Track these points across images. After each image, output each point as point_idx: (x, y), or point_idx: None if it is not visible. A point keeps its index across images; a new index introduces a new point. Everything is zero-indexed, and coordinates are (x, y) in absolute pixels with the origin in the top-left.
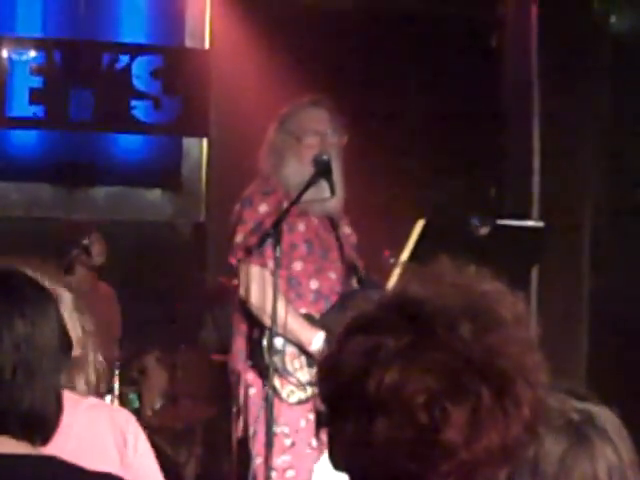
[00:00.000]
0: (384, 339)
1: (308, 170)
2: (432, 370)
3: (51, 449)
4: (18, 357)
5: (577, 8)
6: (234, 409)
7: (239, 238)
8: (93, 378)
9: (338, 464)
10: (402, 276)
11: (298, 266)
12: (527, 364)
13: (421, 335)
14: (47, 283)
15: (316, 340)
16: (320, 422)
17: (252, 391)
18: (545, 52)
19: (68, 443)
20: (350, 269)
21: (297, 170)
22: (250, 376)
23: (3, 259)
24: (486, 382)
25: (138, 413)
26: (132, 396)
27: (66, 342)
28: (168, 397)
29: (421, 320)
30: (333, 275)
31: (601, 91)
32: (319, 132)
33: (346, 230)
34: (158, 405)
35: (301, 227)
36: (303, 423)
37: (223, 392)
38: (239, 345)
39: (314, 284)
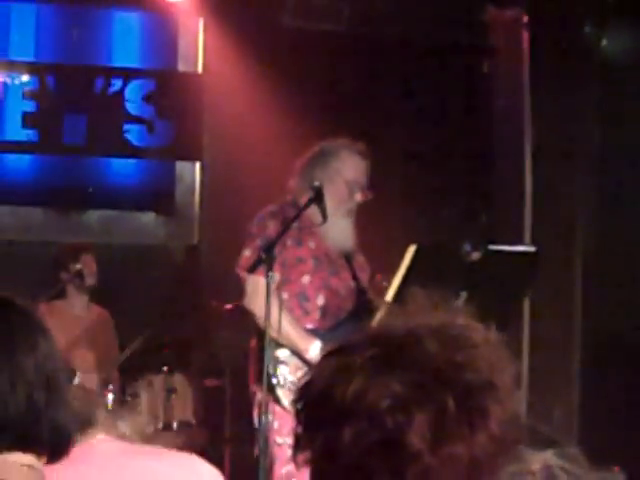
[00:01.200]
0: (352, 357)
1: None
2: (397, 378)
3: None
4: (44, 376)
5: (568, 33)
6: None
7: (247, 252)
8: None
9: None
10: (385, 315)
11: (306, 279)
12: (496, 382)
13: (386, 348)
14: None
15: (313, 348)
16: (296, 446)
17: (255, 404)
18: (537, 78)
19: None
20: (361, 292)
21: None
22: (260, 395)
23: None
24: (451, 391)
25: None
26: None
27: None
28: (161, 421)
29: (389, 339)
30: (343, 292)
31: (592, 116)
32: (359, 183)
33: (359, 259)
34: (151, 430)
35: (311, 244)
36: None
37: (216, 417)
38: (250, 364)
39: (321, 300)
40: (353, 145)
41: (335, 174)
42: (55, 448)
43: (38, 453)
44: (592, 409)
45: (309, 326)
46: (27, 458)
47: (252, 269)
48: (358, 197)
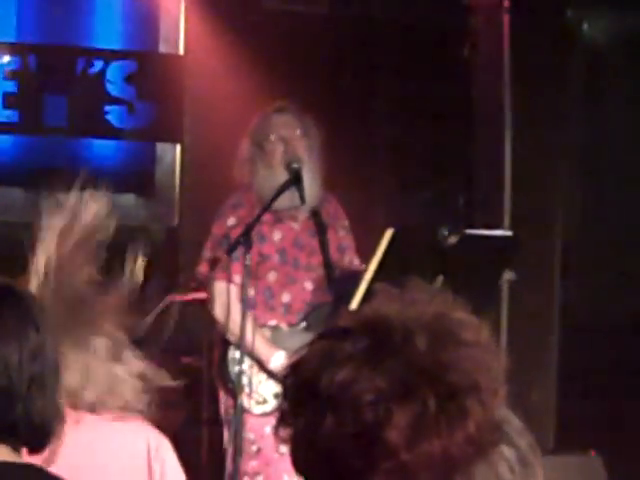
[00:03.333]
0: (341, 343)
1: (280, 176)
2: (383, 373)
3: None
4: (32, 369)
5: (550, 16)
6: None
7: (206, 251)
8: None
9: (295, 464)
10: (373, 294)
11: (271, 277)
12: (480, 383)
13: (377, 341)
14: None
15: (275, 358)
16: (280, 421)
17: (222, 401)
18: (517, 61)
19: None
20: (332, 280)
21: (267, 178)
22: (219, 385)
23: None
24: (434, 391)
25: None
26: None
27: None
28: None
29: (380, 329)
30: (309, 285)
31: (574, 100)
32: (282, 137)
33: (340, 233)
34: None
35: (276, 236)
36: (268, 429)
37: (193, 397)
38: (216, 355)
39: (286, 297)
40: (270, 106)
41: (264, 141)
42: (32, 443)
43: (14, 447)
44: (570, 392)
45: (273, 322)
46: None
47: (229, 252)
48: (278, 150)
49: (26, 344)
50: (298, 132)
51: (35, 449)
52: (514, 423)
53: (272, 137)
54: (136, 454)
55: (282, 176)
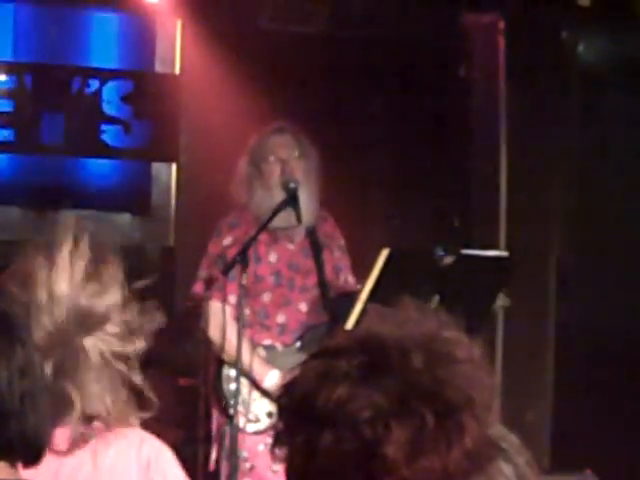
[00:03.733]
0: (336, 362)
1: (277, 195)
2: (380, 390)
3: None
4: (23, 386)
5: (545, 38)
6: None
7: (201, 271)
8: None
9: None
10: (366, 314)
11: (266, 298)
12: (475, 399)
13: (373, 359)
14: None
15: (269, 377)
16: (276, 440)
17: (214, 418)
18: (513, 82)
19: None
20: (327, 300)
21: (264, 198)
22: (213, 403)
23: None
24: (431, 407)
25: None
26: None
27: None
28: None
29: (375, 347)
30: (303, 307)
31: (569, 120)
32: (280, 159)
33: (336, 253)
34: None
35: (272, 257)
36: (261, 447)
37: (190, 417)
38: (210, 373)
39: (281, 318)
40: (268, 127)
41: (262, 162)
42: (27, 458)
43: (10, 461)
44: (565, 412)
45: (267, 342)
46: None
47: (226, 271)
48: (276, 171)
49: (14, 361)
50: (296, 153)
51: (30, 463)
52: (512, 440)
53: (271, 158)
54: (134, 467)
55: (279, 196)
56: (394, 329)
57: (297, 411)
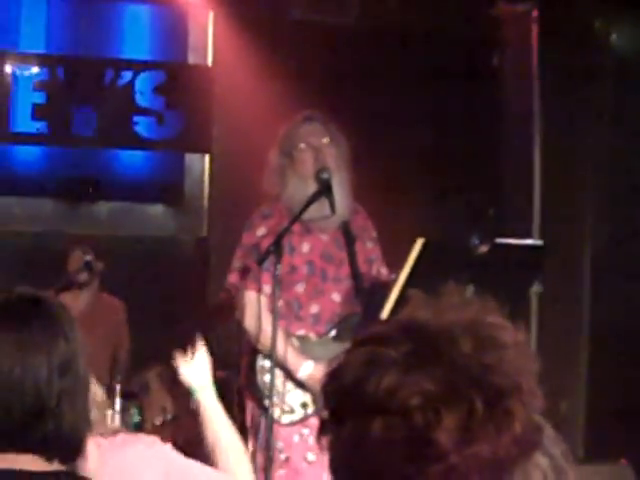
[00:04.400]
0: (385, 349)
1: (310, 186)
2: (429, 376)
3: None
4: (62, 383)
5: (578, 27)
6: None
7: (236, 261)
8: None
9: (335, 473)
10: (407, 301)
11: (300, 288)
12: (522, 385)
13: (422, 346)
14: None
15: (303, 368)
16: (322, 429)
17: (248, 410)
18: (546, 71)
19: None
20: (360, 290)
21: (297, 188)
22: (246, 394)
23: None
24: (480, 393)
25: (139, 428)
26: (133, 411)
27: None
28: (169, 413)
29: (423, 334)
30: (337, 297)
31: (603, 110)
32: (311, 146)
33: (368, 245)
34: (159, 421)
35: (305, 248)
36: (297, 438)
37: (225, 408)
38: (244, 364)
39: (314, 308)
40: (298, 116)
41: (293, 150)
42: (64, 455)
43: (47, 456)
44: (599, 402)
45: (301, 332)
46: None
47: (260, 262)
48: (308, 161)
49: (56, 357)
50: (327, 140)
51: (67, 461)
52: (547, 431)
53: (301, 146)
54: (152, 468)
55: (312, 186)
56: (437, 315)
57: (344, 399)
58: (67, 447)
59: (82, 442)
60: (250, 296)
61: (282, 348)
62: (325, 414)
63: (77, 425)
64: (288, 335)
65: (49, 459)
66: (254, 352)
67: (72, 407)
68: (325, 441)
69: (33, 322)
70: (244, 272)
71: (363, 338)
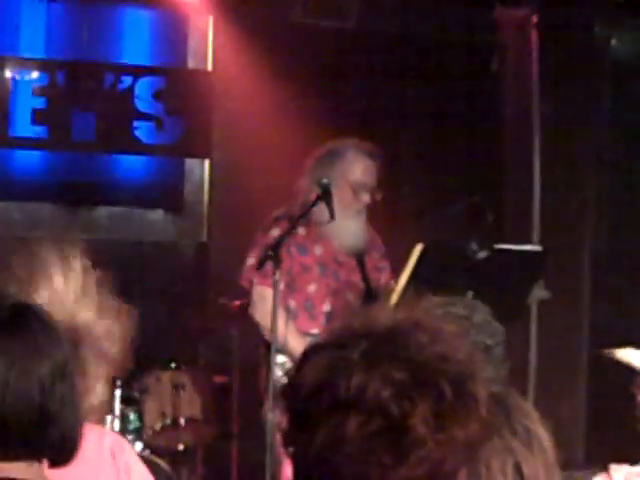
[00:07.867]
0: (344, 352)
1: (350, 218)
2: (394, 368)
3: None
4: (62, 388)
5: (578, 32)
6: None
7: (250, 261)
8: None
9: (312, 475)
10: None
11: (312, 288)
12: (476, 369)
13: (377, 344)
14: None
15: None
16: (285, 440)
17: (265, 405)
18: (546, 76)
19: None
20: (370, 293)
21: (338, 215)
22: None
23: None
24: (445, 379)
25: (139, 433)
26: (133, 416)
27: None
28: (169, 417)
29: (376, 334)
30: (349, 296)
31: (602, 115)
32: (369, 188)
33: (375, 256)
34: (159, 425)
35: (318, 250)
36: None
37: (224, 414)
38: (260, 360)
39: (327, 306)
40: (361, 145)
41: (340, 176)
42: (61, 459)
43: (40, 458)
44: (599, 406)
45: (315, 331)
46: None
47: (259, 266)
48: (364, 199)
49: (56, 361)
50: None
51: (61, 464)
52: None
53: (365, 186)
54: (104, 455)
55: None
56: (386, 315)
57: (313, 404)
58: (64, 451)
59: (78, 446)
60: (264, 292)
61: (295, 344)
62: (287, 425)
63: (75, 429)
64: (302, 335)
65: (40, 462)
66: (268, 348)
67: (72, 411)
68: (289, 453)
69: (33, 325)
70: (258, 269)
71: (317, 345)
